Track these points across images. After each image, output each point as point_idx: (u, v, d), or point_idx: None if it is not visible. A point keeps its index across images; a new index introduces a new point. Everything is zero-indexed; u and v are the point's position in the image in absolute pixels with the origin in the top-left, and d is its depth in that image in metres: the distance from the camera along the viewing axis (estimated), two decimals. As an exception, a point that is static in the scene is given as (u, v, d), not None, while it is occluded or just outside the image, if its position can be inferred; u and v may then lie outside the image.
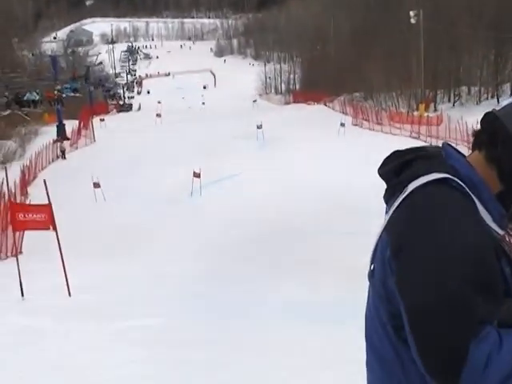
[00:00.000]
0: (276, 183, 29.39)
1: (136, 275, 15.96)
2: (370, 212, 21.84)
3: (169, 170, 34.51)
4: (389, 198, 1.77)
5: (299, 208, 24.44)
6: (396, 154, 1.83)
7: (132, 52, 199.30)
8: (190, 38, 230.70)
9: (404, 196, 1.66)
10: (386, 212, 1.74)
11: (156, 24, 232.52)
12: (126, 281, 15.24)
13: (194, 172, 29.42)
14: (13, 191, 21.28)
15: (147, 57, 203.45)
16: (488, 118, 1.77)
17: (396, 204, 1.67)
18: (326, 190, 26.69)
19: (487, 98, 57.87)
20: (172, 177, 32.48)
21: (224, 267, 16.61)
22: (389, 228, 1.66)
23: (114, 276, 15.83)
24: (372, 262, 1.73)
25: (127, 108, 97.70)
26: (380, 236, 1.69)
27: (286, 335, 9.58)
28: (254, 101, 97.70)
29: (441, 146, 1.83)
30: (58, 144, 46.47)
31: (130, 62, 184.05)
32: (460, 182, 1.63)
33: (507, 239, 1.72)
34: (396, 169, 1.77)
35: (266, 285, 14.11)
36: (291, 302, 11.92)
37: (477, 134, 1.79)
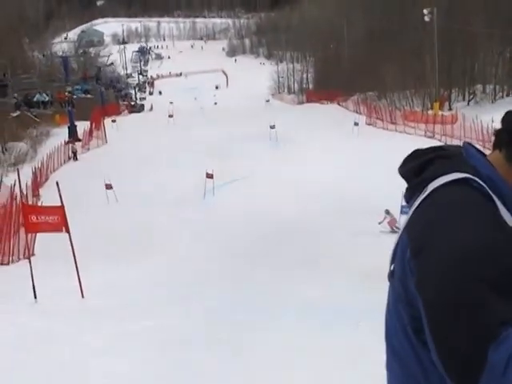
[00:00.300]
0: (289, 184, 29.39)
1: (148, 277, 16.00)
2: (384, 212, 21.79)
3: (181, 170, 34.56)
4: (409, 197, 1.76)
5: (313, 209, 24.45)
6: (416, 153, 1.82)
7: (143, 52, 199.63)
8: (201, 38, 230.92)
9: (424, 196, 1.66)
10: (406, 212, 1.74)
11: (167, 24, 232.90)
12: (138, 282, 15.29)
13: (207, 173, 29.45)
14: (25, 193, 21.36)
15: (159, 57, 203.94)
16: (508, 118, 1.76)
17: (416, 204, 1.67)
18: (339, 191, 26.66)
19: (502, 97, 57.67)
20: (185, 177, 32.53)
21: (237, 269, 16.63)
22: (408, 229, 1.66)
23: (126, 277, 15.88)
24: (392, 263, 1.73)
25: (139, 109, 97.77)
26: (400, 236, 1.69)
27: (298, 336, 9.58)
28: (267, 100, 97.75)
29: (461, 145, 1.83)
30: (70, 145, 46.64)
31: (142, 63, 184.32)
32: (481, 182, 1.63)
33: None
34: (416, 168, 1.77)
35: (279, 286, 14.11)
36: (305, 304, 11.92)
37: (497, 133, 1.78)
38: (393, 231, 22.60)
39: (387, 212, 22.54)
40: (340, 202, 24.85)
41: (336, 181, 28.69)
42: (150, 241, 21.16)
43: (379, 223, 22.25)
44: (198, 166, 32.23)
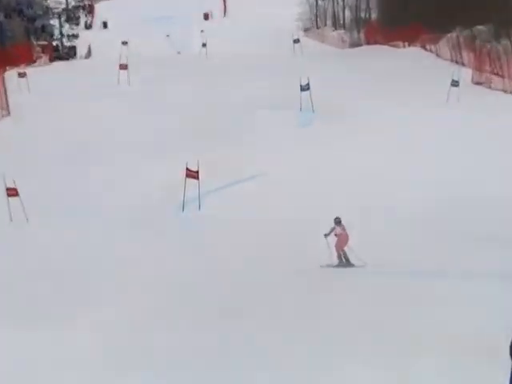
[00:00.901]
0: (330, 190, 29.40)
1: (81, 355, 16.01)
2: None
3: (142, 166, 34.67)
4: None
5: (373, 235, 24.42)
6: None
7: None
8: None
9: None
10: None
11: None
12: (64, 365, 15.30)
13: (188, 170, 29.42)
14: None
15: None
16: None
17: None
18: (424, 203, 26.73)
19: None
20: (148, 178, 32.63)
21: (226, 338, 16.68)
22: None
23: (43, 356, 15.90)
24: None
25: (67, 54, 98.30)
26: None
27: None
28: (296, 41, 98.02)
29: None
30: None
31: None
32: None
33: None
34: None
35: (305, 365, 14.17)
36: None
37: None
38: (341, 263, 22.69)
39: (338, 222, 22.68)
40: (422, 221, 24.91)
41: (417, 186, 28.74)
42: (84, 292, 21.17)
43: (325, 235, 22.42)
44: (172, 158, 32.35)
